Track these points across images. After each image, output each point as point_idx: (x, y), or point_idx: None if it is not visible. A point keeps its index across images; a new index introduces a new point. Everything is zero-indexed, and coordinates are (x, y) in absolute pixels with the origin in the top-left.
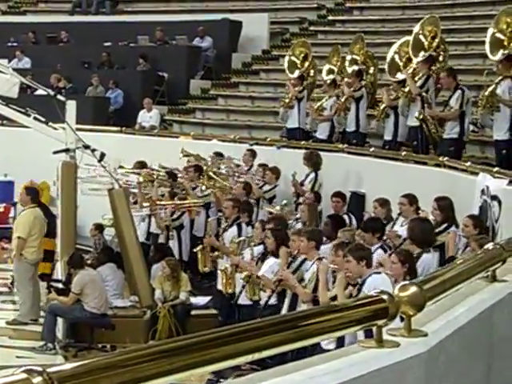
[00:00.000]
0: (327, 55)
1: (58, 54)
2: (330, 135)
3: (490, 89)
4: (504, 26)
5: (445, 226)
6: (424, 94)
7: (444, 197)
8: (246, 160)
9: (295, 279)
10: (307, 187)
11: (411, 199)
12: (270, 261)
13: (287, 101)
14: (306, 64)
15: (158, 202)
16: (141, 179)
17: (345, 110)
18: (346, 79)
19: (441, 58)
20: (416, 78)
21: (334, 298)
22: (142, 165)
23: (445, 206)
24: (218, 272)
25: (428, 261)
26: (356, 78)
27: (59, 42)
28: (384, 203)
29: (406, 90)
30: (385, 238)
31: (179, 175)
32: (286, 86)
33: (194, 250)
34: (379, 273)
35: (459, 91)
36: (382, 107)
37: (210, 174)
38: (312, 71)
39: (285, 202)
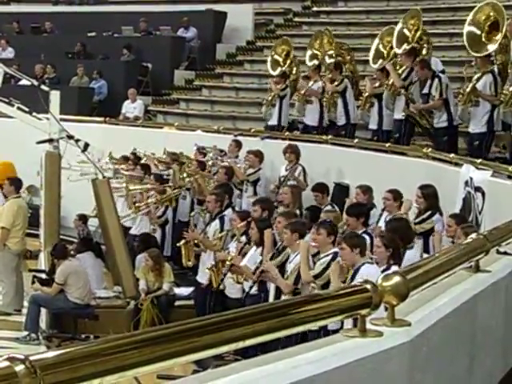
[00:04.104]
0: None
1: (42, 44)
2: (320, 121)
3: (471, 85)
4: (481, 23)
5: (429, 213)
6: (403, 91)
7: (428, 185)
8: (232, 150)
9: (277, 271)
10: (301, 180)
11: (395, 195)
12: (252, 251)
13: (270, 99)
14: (288, 61)
15: (137, 204)
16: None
17: (333, 105)
18: (326, 76)
19: (424, 51)
20: (400, 71)
21: (317, 276)
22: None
23: (428, 193)
24: (200, 265)
25: (412, 256)
26: (335, 71)
27: (43, 32)
28: (366, 190)
29: (390, 82)
30: (370, 231)
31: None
32: (269, 86)
33: (178, 245)
34: (372, 262)
35: (436, 79)
36: (365, 96)
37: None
38: (295, 68)
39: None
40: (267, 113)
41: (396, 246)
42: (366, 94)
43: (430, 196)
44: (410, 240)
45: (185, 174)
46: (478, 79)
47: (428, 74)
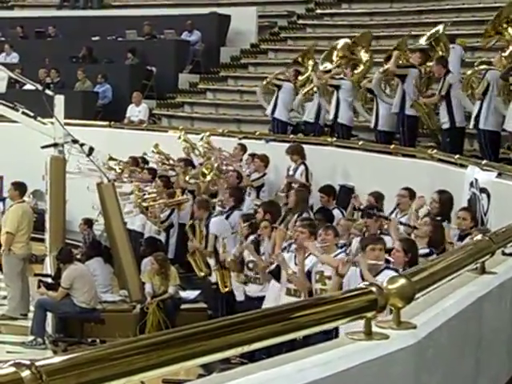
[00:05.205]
0: (316, 48)
1: (46, 48)
2: (317, 118)
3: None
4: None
5: (439, 219)
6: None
7: (446, 191)
8: (236, 154)
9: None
10: (302, 180)
11: (411, 193)
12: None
13: (264, 83)
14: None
15: (145, 204)
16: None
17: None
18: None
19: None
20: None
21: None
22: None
23: (445, 200)
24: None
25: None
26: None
27: (47, 36)
28: (379, 197)
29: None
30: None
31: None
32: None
33: (187, 258)
34: (394, 268)
35: (445, 77)
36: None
37: (203, 170)
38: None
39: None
40: (263, 98)
41: (415, 253)
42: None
43: (445, 202)
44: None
45: (191, 180)
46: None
47: (441, 72)
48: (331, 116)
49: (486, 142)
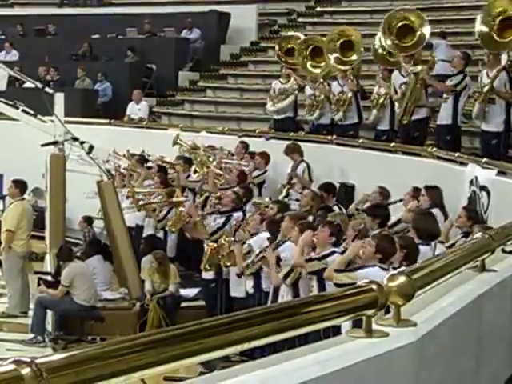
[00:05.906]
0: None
1: (45, 46)
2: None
3: (489, 83)
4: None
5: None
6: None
7: (435, 186)
8: (239, 152)
9: (274, 261)
10: (305, 178)
11: (417, 193)
12: (263, 235)
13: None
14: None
15: (142, 202)
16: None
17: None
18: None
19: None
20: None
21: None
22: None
23: (432, 193)
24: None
25: (426, 253)
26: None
27: (47, 34)
28: (385, 193)
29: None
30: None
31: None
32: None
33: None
34: (374, 266)
35: (461, 75)
36: (382, 97)
37: (204, 159)
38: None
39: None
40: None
41: (412, 248)
42: (383, 94)
43: (432, 195)
44: (433, 237)
45: (195, 175)
46: (495, 77)
47: (459, 67)
48: (356, 119)
49: (506, 142)
